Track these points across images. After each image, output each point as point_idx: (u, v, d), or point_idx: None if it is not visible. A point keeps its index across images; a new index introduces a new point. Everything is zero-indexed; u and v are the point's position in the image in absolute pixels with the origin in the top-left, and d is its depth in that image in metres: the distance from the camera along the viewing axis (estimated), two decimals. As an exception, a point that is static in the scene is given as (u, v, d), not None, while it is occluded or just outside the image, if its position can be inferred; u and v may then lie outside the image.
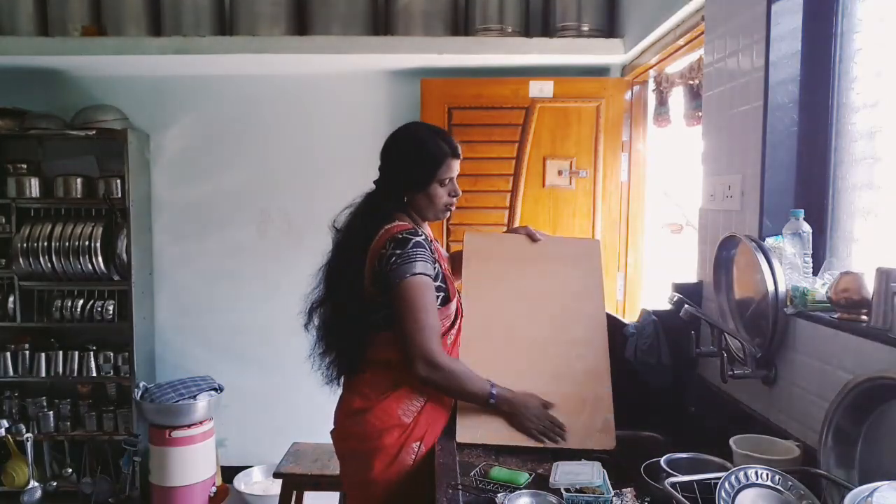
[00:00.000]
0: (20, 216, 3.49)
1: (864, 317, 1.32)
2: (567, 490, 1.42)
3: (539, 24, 3.41)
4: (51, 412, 3.54)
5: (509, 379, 1.83)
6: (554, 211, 3.33)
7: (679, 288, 1.95)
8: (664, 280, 2.69)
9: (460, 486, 1.53)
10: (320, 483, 2.65)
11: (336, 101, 3.64)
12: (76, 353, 3.53)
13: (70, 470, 3.58)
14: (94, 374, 3.53)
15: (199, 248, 3.73)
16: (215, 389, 3.46)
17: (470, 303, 1.91)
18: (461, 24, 3.41)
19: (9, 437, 3.44)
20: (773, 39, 1.67)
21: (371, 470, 1.74)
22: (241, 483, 3.51)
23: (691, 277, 2.09)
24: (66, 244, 3.40)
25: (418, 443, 1.77)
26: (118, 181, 3.48)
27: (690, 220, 2.72)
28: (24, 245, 3.40)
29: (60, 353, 3.53)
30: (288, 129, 3.67)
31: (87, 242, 3.40)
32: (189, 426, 3.31)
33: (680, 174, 3.03)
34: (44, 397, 3.57)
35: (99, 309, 3.51)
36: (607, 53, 3.17)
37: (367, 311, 1.74)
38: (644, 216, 3.38)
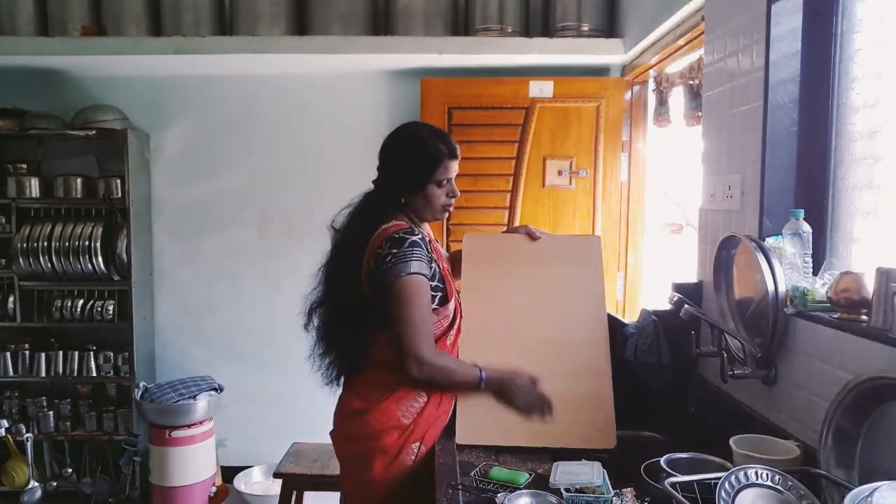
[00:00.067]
0: (20, 216, 3.49)
1: (864, 317, 1.32)
2: (567, 490, 1.42)
3: (539, 24, 3.41)
4: (51, 412, 3.54)
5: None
6: (554, 211, 3.33)
7: (679, 288, 1.96)
8: (664, 280, 2.69)
9: (460, 486, 1.53)
10: (320, 483, 2.65)
11: (336, 101, 3.64)
12: (76, 353, 3.53)
13: (70, 470, 3.58)
14: (94, 374, 3.53)
15: (199, 248, 3.73)
16: (215, 389, 3.46)
17: (470, 303, 1.91)
18: (461, 24, 3.41)
19: (9, 437, 3.44)
20: (773, 39, 1.67)
21: (371, 470, 1.74)
22: (241, 483, 3.51)
23: (691, 277, 2.09)
24: (66, 244, 3.40)
25: (418, 443, 1.77)
26: (118, 181, 3.48)
27: (690, 220, 2.72)
28: (24, 245, 3.40)
29: (60, 353, 3.53)
30: (288, 129, 3.67)
31: (87, 242, 3.40)
32: (189, 426, 3.31)
33: (680, 174, 3.03)
34: (44, 397, 3.57)
35: (99, 309, 3.51)
36: (607, 53, 3.17)
37: (365, 311, 1.74)
38: (644, 216, 3.38)
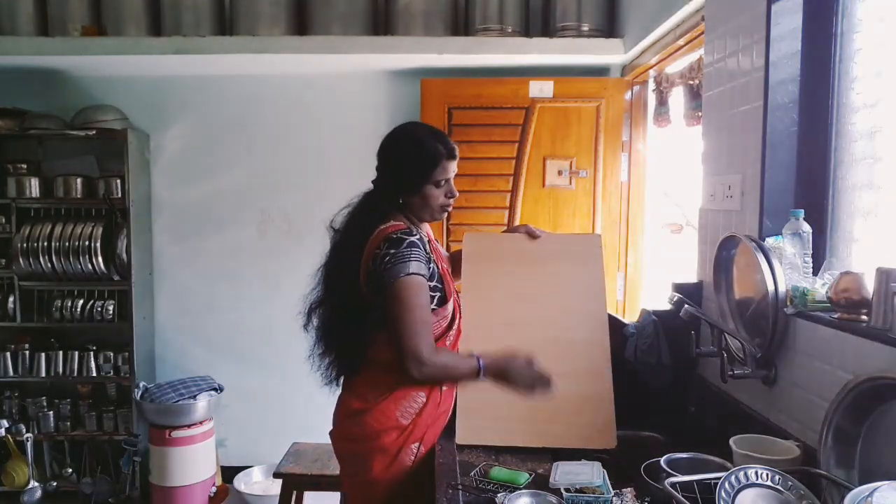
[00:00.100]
0: (20, 216, 3.49)
1: (864, 317, 1.32)
2: (567, 490, 1.42)
3: (539, 24, 3.41)
4: (51, 412, 3.54)
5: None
6: (554, 211, 3.33)
7: (679, 288, 1.96)
8: (664, 280, 2.69)
9: (460, 486, 1.53)
10: (320, 483, 2.65)
11: (336, 101, 3.64)
12: (76, 353, 3.53)
13: (70, 470, 3.58)
14: (94, 374, 3.53)
15: (199, 248, 3.73)
16: (215, 389, 3.46)
17: (470, 303, 1.91)
18: (461, 24, 3.41)
19: (9, 437, 3.44)
20: (773, 39, 1.67)
21: (370, 471, 1.75)
22: (241, 483, 3.51)
23: (691, 277, 2.09)
24: (66, 244, 3.40)
25: (417, 443, 1.77)
26: (118, 181, 3.48)
27: (690, 220, 2.72)
28: (24, 245, 3.40)
29: (60, 353, 3.53)
30: (288, 129, 3.67)
31: (87, 242, 3.40)
32: (189, 426, 3.31)
33: (680, 174, 3.03)
34: (44, 397, 3.57)
35: (99, 309, 3.51)
36: (607, 53, 3.17)
37: (364, 311, 1.74)
38: (644, 216, 3.38)
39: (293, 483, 2.68)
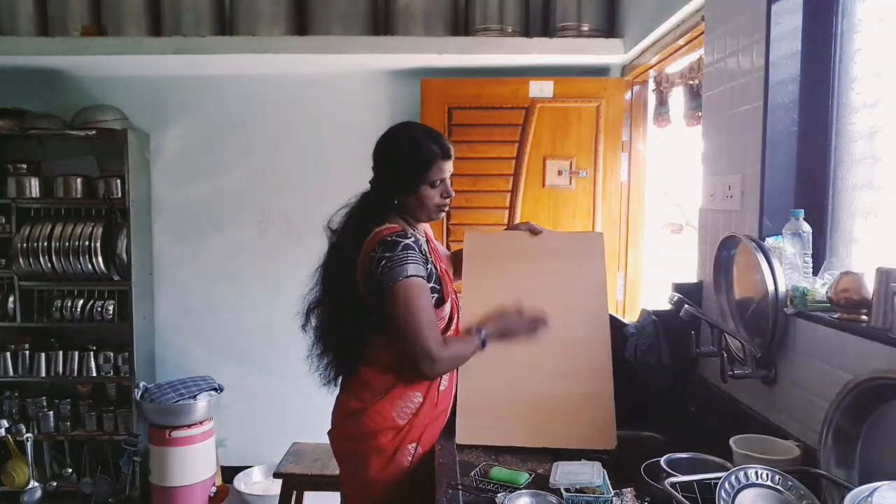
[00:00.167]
0: (20, 216, 3.49)
1: (864, 317, 1.32)
2: (567, 490, 1.42)
3: (539, 24, 3.41)
4: (51, 412, 3.54)
5: (510, 378, 1.83)
6: (554, 211, 3.33)
7: (679, 288, 1.95)
8: (664, 280, 2.69)
9: (460, 486, 1.53)
10: (320, 483, 2.65)
11: (336, 101, 3.64)
12: (76, 353, 3.53)
13: (70, 470, 3.58)
14: (94, 374, 3.53)
15: (199, 248, 3.74)
16: (215, 389, 3.46)
17: (471, 302, 1.91)
18: (461, 24, 3.41)
19: (9, 437, 3.44)
20: (773, 39, 1.67)
21: (368, 471, 1.75)
22: (241, 483, 3.51)
23: (691, 277, 2.09)
24: (66, 244, 3.40)
25: (414, 444, 1.77)
26: (118, 181, 3.49)
27: (690, 220, 2.72)
28: (24, 245, 3.40)
29: (60, 353, 3.53)
30: (288, 129, 3.67)
31: (87, 242, 3.40)
32: (189, 426, 3.31)
33: (680, 174, 3.03)
34: (44, 397, 3.57)
35: (99, 309, 3.51)
36: (607, 53, 3.17)
37: (361, 312, 1.74)
38: (644, 216, 3.38)
39: (293, 483, 2.68)
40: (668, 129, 2.94)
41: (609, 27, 3.27)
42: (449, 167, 1.80)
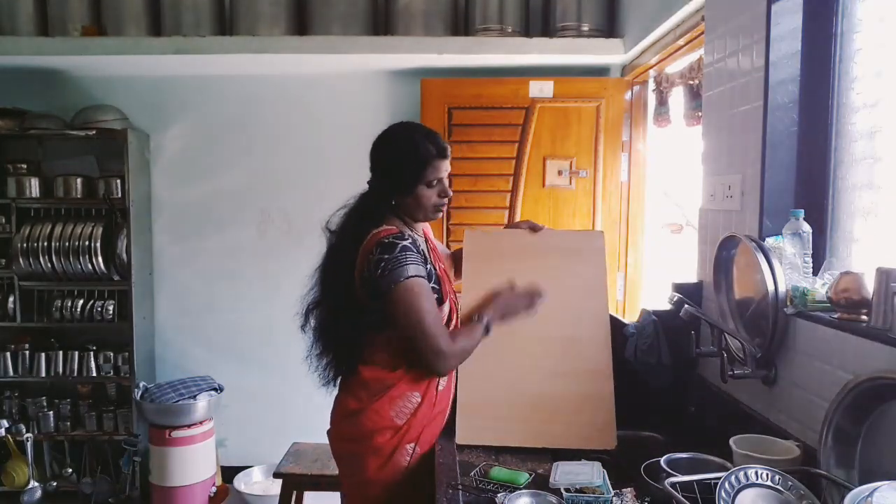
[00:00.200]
0: (20, 216, 3.49)
1: (864, 317, 1.32)
2: (567, 490, 1.42)
3: (539, 24, 3.41)
4: (51, 412, 3.54)
5: (510, 378, 1.83)
6: (554, 211, 3.33)
7: (679, 288, 1.95)
8: (664, 280, 2.69)
9: (460, 486, 1.53)
10: (320, 483, 2.65)
11: (336, 101, 3.64)
12: (76, 353, 3.53)
13: (70, 470, 3.58)
14: (94, 374, 3.53)
15: (199, 248, 3.73)
16: (215, 389, 3.46)
17: (470, 301, 1.90)
18: (461, 24, 3.41)
19: (9, 437, 3.44)
20: (773, 39, 1.67)
21: (366, 471, 1.75)
22: (241, 483, 3.51)
23: (691, 277, 2.09)
24: (66, 244, 3.40)
25: (413, 444, 1.76)
26: (118, 181, 3.48)
27: (690, 220, 2.72)
28: (24, 245, 3.40)
29: (60, 353, 3.53)
30: (288, 129, 3.67)
31: (87, 242, 3.40)
32: (189, 426, 3.31)
33: (680, 174, 3.03)
34: (44, 397, 3.57)
35: (99, 309, 3.51)
36: (607, 53, 3.17)
37: (360, 313, 1.74)
38: (644, 216, 3.38)
39: (293, 483, 2.68)
40: (668, 129, 2.94)
41: (609, 27, 3.27)
42: (446, 167, 1.80)
